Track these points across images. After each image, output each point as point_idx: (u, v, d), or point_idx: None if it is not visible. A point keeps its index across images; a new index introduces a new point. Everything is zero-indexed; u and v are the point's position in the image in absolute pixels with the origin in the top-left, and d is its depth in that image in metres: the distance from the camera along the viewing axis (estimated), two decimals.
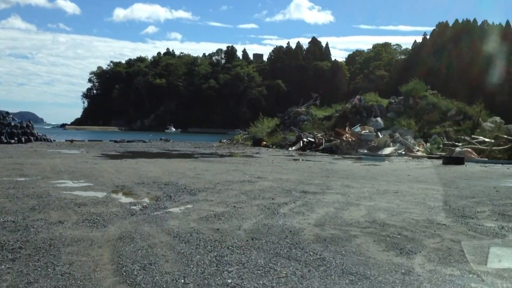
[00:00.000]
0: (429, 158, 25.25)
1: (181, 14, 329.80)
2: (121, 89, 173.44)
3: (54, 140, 35.40)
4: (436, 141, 28.97)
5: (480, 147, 25.93)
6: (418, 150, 27.51)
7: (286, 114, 40.65)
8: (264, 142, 35.87)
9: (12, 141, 30.46)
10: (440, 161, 22.88)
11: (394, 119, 33.18)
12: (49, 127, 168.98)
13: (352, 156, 26.32)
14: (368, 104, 35.04)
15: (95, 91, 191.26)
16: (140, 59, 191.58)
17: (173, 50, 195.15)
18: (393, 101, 35.36)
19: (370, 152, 27.64)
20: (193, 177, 13.42)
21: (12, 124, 32.41)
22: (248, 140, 38.48)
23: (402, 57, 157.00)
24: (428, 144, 28.60)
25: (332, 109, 39.73)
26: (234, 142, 39.30)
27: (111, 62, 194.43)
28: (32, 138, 32.03)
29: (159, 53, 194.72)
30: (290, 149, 32.31)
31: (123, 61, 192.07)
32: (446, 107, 33.28)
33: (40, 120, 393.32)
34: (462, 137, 28.68)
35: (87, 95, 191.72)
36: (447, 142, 27.69)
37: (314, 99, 42.56)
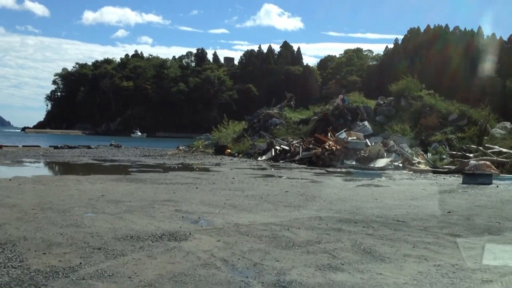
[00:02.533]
0: (435, 172, 19.64)
1: (152, 18, 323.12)
2: (86, 91, 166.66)
3: None
4: (438, 151, 23.43)
5: (499, 159, 20.44)
6: (418, 162, 21.87)
7: (255, 116, 34.65)
8: (229, 150, 29.90)
9: None
10: (452, 177, 17.48)
11: (384, 124, 27.60)
12: (11, 130, 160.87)
13: (337, 170, 20.53)
14: (352, 105, 29.35)
15: (59, 94, 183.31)
16: (107, 61, 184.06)
17: (141, 52, 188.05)
18: (381, 102, 29.70)
19: (359, 164, 21.92)
20: (64, 224, 7.19)
21: None
22: (210, 147, 32.41)
23: (374, 62, 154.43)
24: (429, 155, 22.99)
25: (310, 112, 33.93)
26: (194, 149, 33.14)
27: (76, 63, 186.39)
28: None
29: (127, 55, 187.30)
30: (259, 158, 26.42)
31: (90, 62, 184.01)
32: (446, 109, 27.78)
33: (6, 123, 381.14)
34: (468, 146, 23.20)
35: (51, 97, 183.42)
36: (455, 153, 22.10)
37: (288, 99, 36.55)
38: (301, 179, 16.17)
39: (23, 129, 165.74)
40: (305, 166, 22.42)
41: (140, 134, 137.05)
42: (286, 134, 29.78)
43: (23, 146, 36.87)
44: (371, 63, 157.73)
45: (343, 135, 24.02)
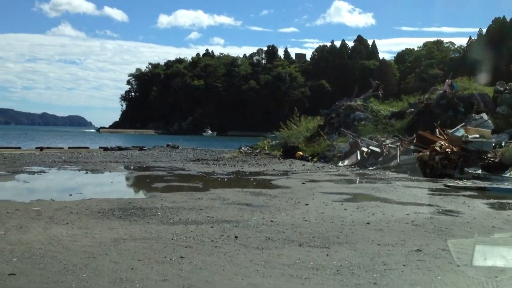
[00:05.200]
0: None
1: (223, 19, 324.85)
2: (158, 91, 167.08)
3: None
4: None
5: None
6: None
7: (334, 110, 28.16)
8: (300, 152, 23.76)
9: None
10: None
11: (510, 116, 20.42)
12: (89, 130, 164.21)
13: (458, 183, 13.92)
14: (464, 93, 22.33)
15: (133, 94, 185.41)
16: (179, 61, 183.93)
17: (212, 51, 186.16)
18: (501, 88, 22.36)
19: (489, 174, 15.17)
20: None
21: None
22: (277, 148, 26.37)
23: (456, 55, 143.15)
24: None
25: (403, 103, 27.05)
26: (258, 150, 27.22)
27: (149, 63, 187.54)
28: None
29: (197, 54, 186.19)
30: (340, 163, 20.18)
31: (162, 63, 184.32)
32: None
33: (88, 124, 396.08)
34: None
35: (125, 97, 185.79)
36: None
37: (375, 88, 29.59)
38: (415, 203, 9.87)
39: (98, 129, 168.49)
40: (406, 175, 15.96)
41: (211, 132, 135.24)
42: (375, 131, 23.23)
43: (69, 147, 32.59)
44: (453, 55, 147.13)
45: (460, 132, 17.31)
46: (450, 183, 13.98)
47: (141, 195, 10.84)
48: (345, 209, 8.95)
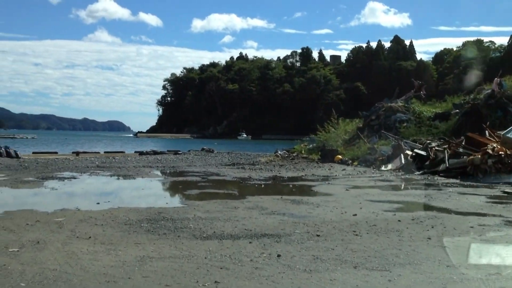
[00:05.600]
0: None
1: (257, 22, 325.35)
2: (193, 95, 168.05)
3: (18, 156, 23.03)
4: None
5: None
6: None
7: (373, 112, 26.96)
8: (339, 156, 22.71)
9: None
10: None
11: None
12: (127, 135, 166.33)
13: None
14: None
15: (169, 99, 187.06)
16: (213, 65, 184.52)
17: (246, 54, 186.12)
18: None
19: None
20: None
21: None
22: (315, 152, 25.36)
23: (497, 54, 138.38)
24: None
25: (447, 104, 25.69)
26: (294, 154, 26.27)
27: (184, 68, 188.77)
28: None
29: (231, 58, 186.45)
30: (383, 168, 19.08)
31: (197, 67, 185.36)
32: None
33: (127, 128, 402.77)
34: None
35: (161, 102, 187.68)
36: None
37: (417, 88, 28.25)
38: (477, 213, 8.81)
39: (136, 134, 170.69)
40: (457, 180, 14.80)
41: (245, 136, 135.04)
42: (418, 133, 22.05)
43: (105, 152, 32.37)
44: (493, 55, 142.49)
45: None
46: (509, 189, 12.77)
47: (172, 203, 10.07)
48: (399, 220, 7.95)
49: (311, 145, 27.69)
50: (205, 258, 5.49)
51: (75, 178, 15.05)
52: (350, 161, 21.76)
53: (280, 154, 25.94)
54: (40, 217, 8.00)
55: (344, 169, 19.24)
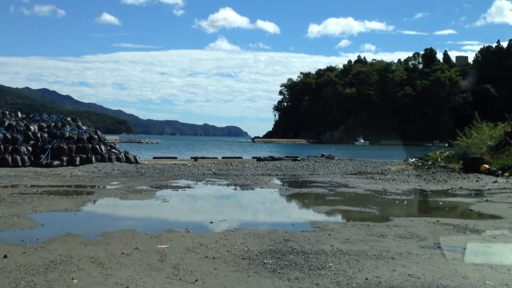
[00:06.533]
0: None
1: (375, 25, 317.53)
2: (310, 100, 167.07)
3: (138, 161, 22.65)
4: None
5: None
6: None
7: None
8: (486, 166, 19.46)
9: (56, 162, 19.30)
10: None
11: None
12: (244, 140, 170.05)
13: None
14: None
15: (285, 104, 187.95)
16: (330, 69, 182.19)
17: (364, 57, 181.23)
18: None
19: None
20: None
21: (67, 134, 21.28)
22: (455, 160, 22.16)
23: None
24: None
25: None
26: (430, 162, 23.22)
27: (300, 73, 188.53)
28: (94, 156, 20.53)
29: (349, 61, 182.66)
30: None
31: (314, 72, 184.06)
32: None
33: (244, 134, 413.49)
34: None
35: (278, 107, 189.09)
36: None
37: None
38: None
39: (253, 139, 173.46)
40: None
41: (363, 142, 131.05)
42: None
43: (222, 157, 31.59)
44: None
45: None
46: None
47: (300, 225, 8.16)
48: None
49: (446, 153, 24.45)
50: None
51: (189, 187, 13.76)
52: (500, 172, 18.48)
53: (413, 163, 23.07)
54: (141, 241, 6.49)
55: (495, 181, 16.19)
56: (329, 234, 7.19)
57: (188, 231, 7.29)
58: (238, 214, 9.68)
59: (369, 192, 13.30)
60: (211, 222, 8.16)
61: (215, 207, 10.45)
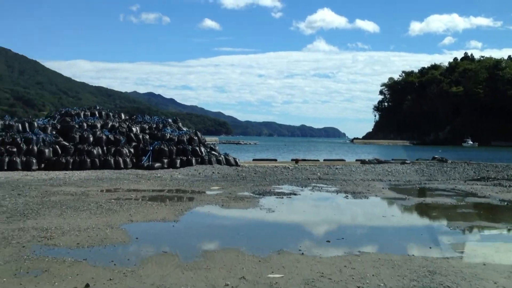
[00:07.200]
0: None
1: (481, 21, 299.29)
2: (412, 100, 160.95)
3: (238, 163, 21.66)
4: None
5: None
6: None
7: None
8: None
9: (157, 164, 18.87)
10: None
11: None
12: (341, 141, 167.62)
13: None
14: None
15: (386, 104, 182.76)
16: (434, 67, 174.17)
17: (471, 55, 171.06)
18: None
19: None
20: None
21: (168, 136, 20.84)
22: None
23: None
24: None
25: None
26: None
27: (402, 72, 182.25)
28: (194, 159, 19.88)
29: (455, 59, 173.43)
30: None
31: (416, 70, 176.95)
32: None
33: (342, 135, 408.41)
34: None
35: (378, 108, 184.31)
36: None
37: None
38: None
39: (352, 140, 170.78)
40: None
41: (471, 143, 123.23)
42: None
43: (324, 160, 30.12)
44: None
45: None
46: None
47: (440, 248, 6.54)
48: None
49: None
50: None
51: (295, 194, 12.48)
52: None
53: None
54: (248, 267, 5.31)
55: None
56: (484, 264, 5.59)
57: (302, 254, 6.02)
58: (356, 230, 8.22)
59: (505, 203, 11.27)
60: (328, 241, 6.83)
61: (327, 220, 9.06)
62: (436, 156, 32.30)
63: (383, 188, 14.23)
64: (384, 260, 5.77)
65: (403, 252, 6.27)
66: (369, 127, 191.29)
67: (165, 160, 19.48)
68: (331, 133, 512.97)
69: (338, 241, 6.87)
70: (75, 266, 5.31)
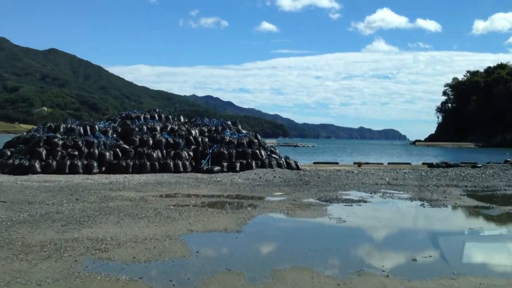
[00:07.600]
0: None
1: None
2: (478, 100, 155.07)
3: (299, 167, 20.79)
4: None
5: None
6: None
7: None
8: None
9: (216, 168, 18.34)
10: None
11: None
12: (402, 143, 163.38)
13: None
14: None
15: (449, 105, 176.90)
16: (501, 66, 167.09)
17: None
18: None
19: None
20: None
21: (227, 139, 20.29)
22: None
23: None
24: None
25: None
26: None
27: (467, 72, 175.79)
28: (254, 162, 19.23)
29: None
30: None
31: (481, 70, 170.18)
32: None
33: (402, 137, 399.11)
34: None
35: (441, 109, 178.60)
36: None
37: None
38: None
39: (414, 142, 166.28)
40: None
41: None
42: None
43: (388, 163, 28.81)
44: None
45: None
46: None
47: None
48: None
49: None
50: None
51: (364, 201, 11.53)
52: None
53: None
54: None
55: None
56: None
57: (387, 276, 5.16)
58: (442, 246, 7.20)
59: None
60: (414, 260, 5.93)
61: (406, 233, 8.11)
62: (508, 160, 30.26)
63: (460, 194, 13.03)
64: (486, 285, 4.85)
65: (506, 276, 5.30)
66: (431, 129, 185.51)
67: (225, 164, 18.95)
68: (390, 135, 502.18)
69: (425, 259, 5.97)
70: (130, 287, 4.71)
